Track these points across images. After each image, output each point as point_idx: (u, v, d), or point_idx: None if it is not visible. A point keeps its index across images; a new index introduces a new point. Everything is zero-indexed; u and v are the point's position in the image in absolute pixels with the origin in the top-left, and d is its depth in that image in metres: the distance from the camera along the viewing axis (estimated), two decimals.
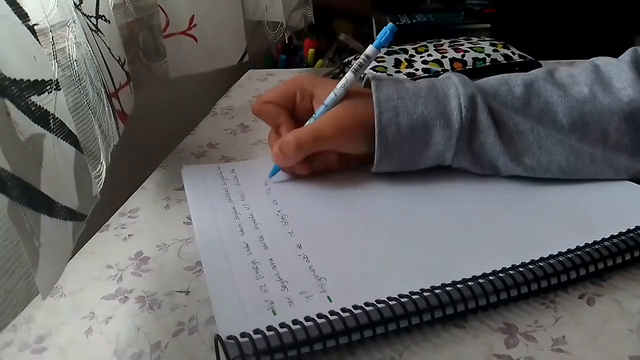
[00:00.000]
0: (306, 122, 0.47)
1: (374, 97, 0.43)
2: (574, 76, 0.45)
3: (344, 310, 0.31)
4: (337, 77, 0.76)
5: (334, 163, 0.48)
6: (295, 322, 0.30)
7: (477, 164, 0.45)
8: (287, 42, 1.02)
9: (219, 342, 0.29)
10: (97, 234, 0.45)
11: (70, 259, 0.38)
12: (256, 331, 0.29)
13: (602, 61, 0.46)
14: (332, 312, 0.30)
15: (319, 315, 0.30)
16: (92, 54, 0.42)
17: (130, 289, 0.38)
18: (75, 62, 0.38)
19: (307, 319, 0.30)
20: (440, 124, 0.43)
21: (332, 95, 0.46)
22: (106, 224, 0.46)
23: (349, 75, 0.46)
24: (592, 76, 0.44)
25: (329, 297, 0.33)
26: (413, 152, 0.44)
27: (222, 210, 0.45)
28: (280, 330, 0.29)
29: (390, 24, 0.45)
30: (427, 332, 0.31)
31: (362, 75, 0.47)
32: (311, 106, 0.48)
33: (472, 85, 0.44)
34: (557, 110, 0.43)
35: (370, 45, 0.46)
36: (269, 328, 0.30)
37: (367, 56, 0.46)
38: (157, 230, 0.44)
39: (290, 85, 0.49)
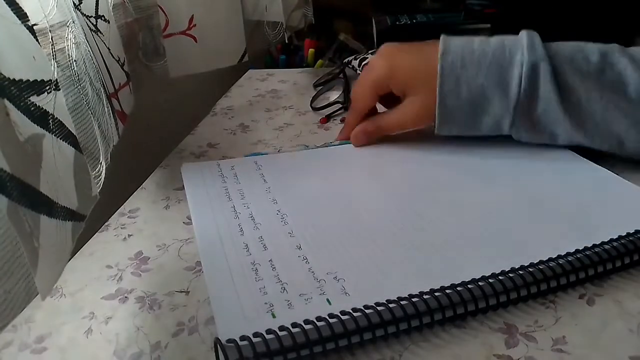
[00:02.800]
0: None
1: (438, 66, 0.46)
2: None
3: (343, 313, 0.31)
4: (337, 77, 0.76)
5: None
6: (294, 325, 0.30)
7: (535, 131, 0.46)
8: (287, 42, 1.02)
9: (218, 346, 0.29)
10: (97, 234, 0.45)
11: (70, 259, 0.38)
12: (256, 334, 0.29)
13: None
14: (331, 315, 0.30)
15: (319, 318, 0.30)
16: (92, 54, 0.42)
17: (130, 289, 0.38)
18: (74, 62, 0.38)
19: (307, 322, 0.30)
20: (498, 94, 0.45)
21: None
22: (106, 224, 0.46)
23: None
24: None
25: (328, 300, 0.33)
26: (471, 119, 0.47)
27: (221, 210, 0.45)
28: (280, 333, 0.29)
29: None
30: (427, 332, 0.31)
31: None
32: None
33: (540, 51, 0.45)
34: (629, 82, 0.44)
35: None
36: (269, 331, 0.30)
37: None
38: (157, 230, 0.44)
39: (378, 89, 0.53)
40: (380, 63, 0.52)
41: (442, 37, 0.48)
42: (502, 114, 0.46)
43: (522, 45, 0.46)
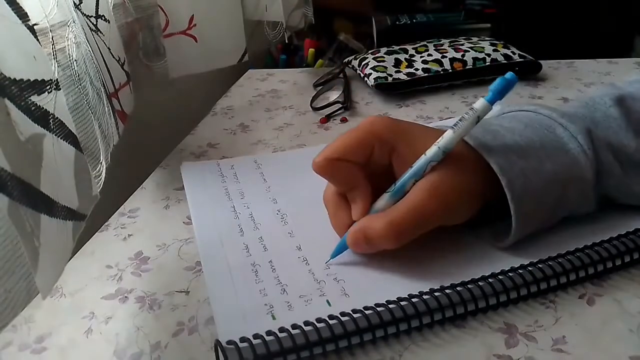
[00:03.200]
0: (381, 181, 0.37)
1: (492, 163, 0.34)
2: None
3: (343, 314, 0.31)
4: (337, 77, 0.76)
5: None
6: (294, 326, 0.30)
7: (596, 205, 0.38)
8: (287, 42, 1.01)
9: (218, 348, 0.29)
10: (97, 234, 0.45)
11: (70, 259, 0.38)
12: (256, 336, 0.29)
13: None
14: (331, 317, 0.30)
15: (319, 320, 0.30)
16: (92, 54, 0.42)
17: (130, 289, 0.38)
18: (75, 62, 0.38)
19: (307, 323, 0.30)
20: (575, 176, 0.36)
21: (422, 159, 0.35)
22: (106, 224, 0.46)
23: (448, 134, 0.35)
24: None
25: (328, 301, 0.33)
26: (548, 216, 0.37)
27: (221, 210, 0.45)
28: (280, 334, 0.29)
29: (509, 73, 0.34)
30: (427, 332, 0.31)
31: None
32: (388, 161, 0.37)
33: (575, 119, 0.38)
34: None
35: (482, 98, 0.35)
36: (269, 333, 0.30)
37: (474, 111, 0.35)
38: (157, 230, 0.44)
39: (367, 136, 0.37)
40: (380, 119, 0.38)
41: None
42: (578, 198, 0.37)
43: (547, 116, 0.38)
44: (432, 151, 0.35)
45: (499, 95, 0.35)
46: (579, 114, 0.39)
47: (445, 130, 0.36)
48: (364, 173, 0.37)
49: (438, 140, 0.35)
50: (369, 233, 0.35)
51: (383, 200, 0.36)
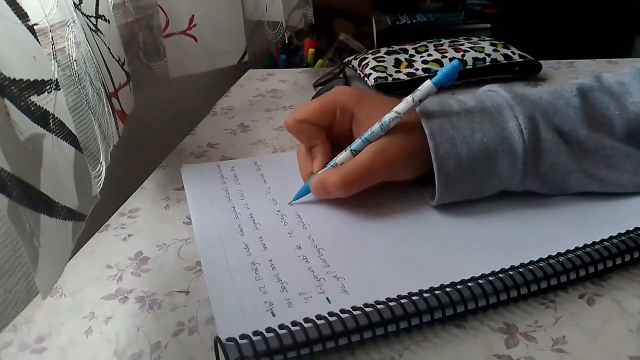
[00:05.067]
0: (342, 142, 0.44)
1: (425, 128, 0.40)
2: (624, 84, 0.43)
3: (343, 311, 0.31)
4: (337, 77, 0.76)
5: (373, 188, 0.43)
6: (294, 323, 0.30)
7: (544, 186, 0.41)
8: (287, 42, 1.02)
9: (218, 344, 0.29)
10: (97, 234, 0.45)
11: (70, 259, 0.38)
12: (255, 333, 0.29)
13: None
14: (331, 314, 0.30)
15: (318, 317, 0.30)
16: (92, 54, 0.42)
17: (130, 289, 0.38)
18: (75, 62, 0.38)
19: (307, 320, 0.30)
20: (502, 149, 0.40)
21: (376, 126, 0.41)
22: (106, 224, 0.46)
23: (400, 107, 0.41)
24: None
25: (327, 299, 0.33)
26: (476, 183, 0.41)
27: (221, 210, 0.45)
28: (280, 331, 0.29)
29: (455, 60, 0.40)
30: (427, 332, 0.31)
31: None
32: (350, 126, 0.44)
33: (527, 103, 0.41)
34: (614, 123, 0.42)
35: (428, 80, 0.40)
36: (268, 330, 0.30)
37: (422, 92, 0.40)
38: (157, 230, 0.44)
39: (330, 102, 0.44)
40: (345, 89, 0.45)
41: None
42: (510, 171, 0.40)
43: (505, 99, 0.41)
44: (383, 121, 0.41)
45: (445, 78, 0.40)
46: (542, 100, 0.42)
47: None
48: (326, 134, 0.45)
49: (389, 115, 0.41)
50: (325, 183, 0.42)
51: (339, 157, 0.43)
